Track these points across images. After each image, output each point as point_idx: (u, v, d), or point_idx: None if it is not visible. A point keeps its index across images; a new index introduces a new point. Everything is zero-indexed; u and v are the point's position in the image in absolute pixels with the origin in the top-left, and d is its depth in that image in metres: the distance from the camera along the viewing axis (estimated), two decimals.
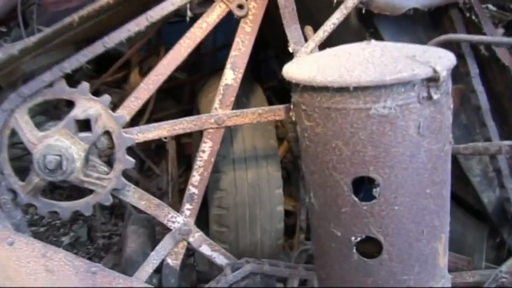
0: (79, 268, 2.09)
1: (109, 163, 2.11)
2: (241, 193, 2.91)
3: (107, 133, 2.04)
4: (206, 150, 2.23)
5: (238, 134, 2.93)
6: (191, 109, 3.91)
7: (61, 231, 4.30)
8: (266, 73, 4.49)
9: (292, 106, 1.83)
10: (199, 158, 2.24)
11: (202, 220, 2.73)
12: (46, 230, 4.30)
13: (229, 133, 2.91)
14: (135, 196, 2.20)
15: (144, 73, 3.68)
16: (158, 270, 2.42)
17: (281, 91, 4.16)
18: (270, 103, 3.32)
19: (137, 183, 3.28)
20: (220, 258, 2.35)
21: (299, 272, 2.30)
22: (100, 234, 4.24)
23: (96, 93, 2.06)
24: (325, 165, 1.71)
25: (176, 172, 3.50)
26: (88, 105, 1.99)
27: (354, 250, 1.75)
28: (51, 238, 4.20)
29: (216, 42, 4.73)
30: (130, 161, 2.06)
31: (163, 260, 2.32)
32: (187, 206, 2.28)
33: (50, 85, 1.98)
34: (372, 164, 1.62)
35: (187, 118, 2.17)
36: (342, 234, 1.75)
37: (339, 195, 1.71)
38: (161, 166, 3.88)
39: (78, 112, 1.96)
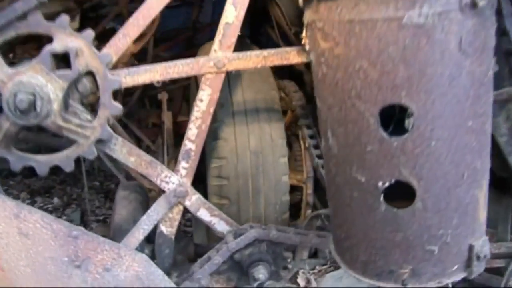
0: (58, 231, 1.79)
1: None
2: (243, 161, 2.62)
3: (90, 74, 1.75)
4: (204, 99, 1.94)
5: (238, 94, 2.65)
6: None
7: (53, 215, 3.99)
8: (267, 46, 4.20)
9: (304, 31, 1.55)
10: (196, 108, 1.95)
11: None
12: None
13: (228, 94, 2.62)
14: (123, 151, 1.91)
15: None
16: (151, 240, 2.13)
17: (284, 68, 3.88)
18: None
19: None
20: (220, 225, 2.06)
21: (310, 239, 2.01)
22: (94, 218, 3.95)
23: None
24: (346, 95, 1.43)
25: (172, 146, 3.21)
26: (68, 40, 1.70)
27: (382, 199, 1.47)
28: None
29: (214, 17, 4.46)
30: (116, 107, 1.77)
31: (155, 229, 2.04)
32: (183, 164, 1.99)
33: (24, 17, 1.69)
34: (404, 89, 1.34)
35: (183, 61, 1.88)
36: (366, 180, 1.46)
37: (364, 131, 1.42)
38: (156, 143, 3.60)
39: (55, 45, 1.67)
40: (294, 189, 3.19)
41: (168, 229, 2.05)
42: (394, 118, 1.51)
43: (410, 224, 1.47)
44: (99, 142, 1.83)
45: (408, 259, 1.52)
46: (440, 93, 1.33)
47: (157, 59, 3.69)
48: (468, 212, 1.49)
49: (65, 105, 1.72)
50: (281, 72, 3.64)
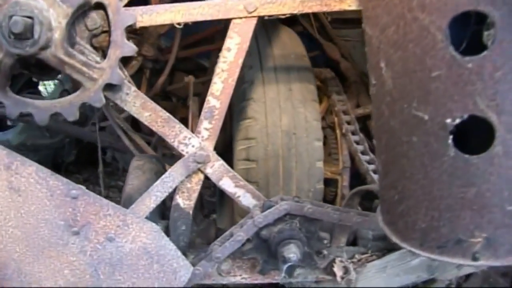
0: (55, 189, 1.52)
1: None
2: (274, 142, 2.33)
3: (101, 8, 1.51)
4: (232, 48, 1.67)
5: (269, 67, 2.38)
6: None
7: None
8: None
9: None
10: (222, 59, 1.68)
11: None
12: None
13: (259, 66, 2.36)
14: (136, 103, 1.64)
15: None
16: (166, 216, 1.85)
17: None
18: None
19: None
20: (246, 198, 1.75)
21: (351, 218, 1.68)
22: None
23: None
24: (406, 7, 1.13)
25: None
26: None
27: (450, 141, 1.14)
28: None
29: None
30: (130, 47, 1.52)
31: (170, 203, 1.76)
32: (205, 124, 1.71)
33: None
34: None
35: (209, 1, 1.63)
36: (430, 117, 1.15)
37: (428, 51, 1.11)
38: None
39: None
40: (328, 184, 2.87)
41: (185, 202, 1.76)
42: (468, 32, 1.19)
43: (486, 176, 1.13)
44: (109, 88, 1.57)
45: (482, 224, 1.18)
46: None
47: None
48: None
49: (69, 37, 1.47)
50: (317, 62, 3.38)
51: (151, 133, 2.76)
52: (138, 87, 3.19)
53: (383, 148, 1.33)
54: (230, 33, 1.66)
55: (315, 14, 3.59)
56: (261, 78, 2.40)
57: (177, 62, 3.57)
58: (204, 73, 3.61)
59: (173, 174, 1.69)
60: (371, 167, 2.34)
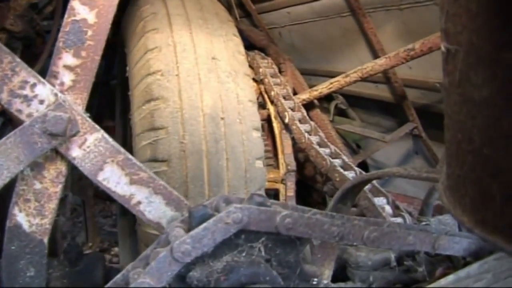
0: None
1: None
2: (193, 132, 1.51)
3: None
4: None
5: (185, 36, 1.57)
6: None
7: None
8: None
9: None
10: None
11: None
12: None
13: (170, 35, 1.54)
14: None
15: None
16: None
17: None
18: None
19: None
20: (155, 204, 0.84)
21: (359, 231, 0.85)
22: None
23: None
24: None
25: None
26: None
27: None
28: None
29: None
30: None
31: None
32: (67, 59, 0.79)
33: None
34: None
35: None
36: None
37: None
38: None
39: None
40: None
41: (33, 220, 0.84)
42: None
43: None
44: None
45: None
46: None
47: None
48: None
49: None
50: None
51: None
52: None
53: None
54: None
55: None
56: (171, 43, 1.57)
57: None
58: None
59: None
60: (337, 162, 1.54)
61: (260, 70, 2.11)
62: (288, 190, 1.87)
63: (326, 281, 1.04)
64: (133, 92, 1.60)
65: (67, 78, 0.81)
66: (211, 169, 1.50)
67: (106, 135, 0.83)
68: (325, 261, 1.03)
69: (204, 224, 0.75)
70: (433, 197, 1.22)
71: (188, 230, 0.77)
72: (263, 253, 0.78)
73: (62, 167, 0.82)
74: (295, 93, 2.16)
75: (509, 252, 0.57)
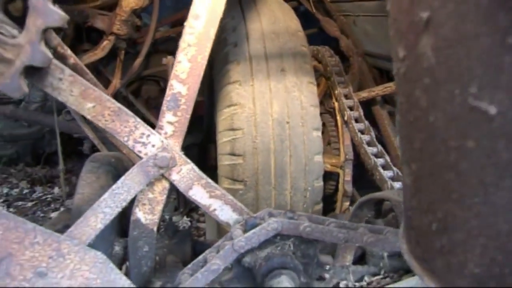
0: None
1: None
2: (264, 133, 1.86)
3: None
4: (201, 15, 1.18)
5: (258, 47, 1.89)
6: None
7: (52, 207, 3.30)
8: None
9: None
10: (188, 30, 1.20)
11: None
12: (34, 205, 3.32)
13: (246, 44, 1.88)
14: (74, 92, 1.16)
15: None
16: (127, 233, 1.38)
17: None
18: None
19: None
20: (224, 211, 1.28)
21: (360, 236, 1.21)
22: None
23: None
24: None
25: None
26: None
27: None
28: (38, 213, 3.21)
29: None
30: (57, 14, 1.04)
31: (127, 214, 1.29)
32: (169, 117, 1.23)
33: None
34: None
35: None
36: (500, 111, 0.67)
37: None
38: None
39: None
40: (327, 177, 2.40)
41: (147, 216, 1.29)
42: None
43: None
44: (32, 71, 1.09)
45: None
46: None
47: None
48: None
49: None
50: (314, 40, 2.86)
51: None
52: (109, 73, 2.71)
53: (416, 154, 0.85)
54: None
55: None
56: (248, 58, 1.92)
57: (158, 42, 3.07)
58: None
59: (128, 184, 1.21)
60: (380, 161, 1.87)
61: (328, 68, 2.41)
62: (346, 175, 2.22)
63: (348, 263, 1.42)
64: (217, 96, 1.99)
65: (169, 129, 1.23)
66: (277, 164, 1.87)
67: (194, 166, 1.26)
68: (347, 249, 1.41)
69: (253, 230, 1.16)
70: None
71: (244, 231, 1.19)
72: (291, 248, 1.18)
73: (166, 185, 1.26)
74: (359, 88, 2.44)
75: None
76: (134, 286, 1.15)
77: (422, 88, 0.78)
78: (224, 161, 1.90)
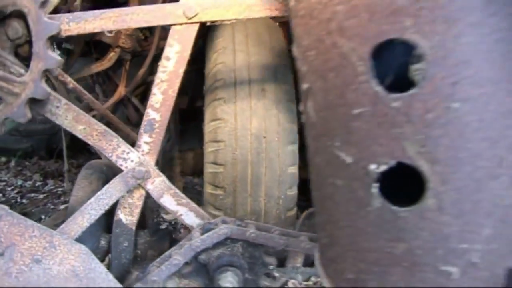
0: None
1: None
2: (243, 146, 2.11)
3: (22, 16, 1.31)
4: (172, 57, 1.45)
5: (243, 68, 2.14)
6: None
7: (61, 199, 3.63)
8: None
9: None
10: (161, 69, 1.47)
11: None
12: (45, 197, 3.65)
13: (233, 67, 2.13)
14: (68, 117, 1.45)
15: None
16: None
17: None
18: None
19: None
20: (189, 216, 1.56)
21: (299, 243, 1.47)
22: None
23: None
24: (324, 29, 0.89)
25: (177, 132, 2.73)
26: None
27: (375, 190, 0.91)
28: (49, 205, 3.54)
29: None
30: (53, 58, 1.32)
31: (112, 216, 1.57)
32: (145, 138, 1.51)
33: None
34: (409, 15, 0.79)
35: (144, 7, 1.40)
36: (354, 161, 0.92)
37: (349, 84, 0.88)
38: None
39: None
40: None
41: (127, 218, 1.57)
42: (394, 66, 0.95)
43: (417, 231, 0.91)
44: (34, 102, 1.38)
45: (413, 283, 0.96)
46: (468, 23, 0.77)
47: None
48: (508, 219, 0.91)
49: None
50: None
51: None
52: (118, 79, 3.00)
53: (313, 184, 1.11)
54: (169, 40, 1.44)
55: None
56: (233, 77, 2.17)
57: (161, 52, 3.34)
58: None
59: (110, 191, 1.50)
60: None
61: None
62: None
63: (298, 264, 1.68)
64: (205, 110, 2.24)
65: (145, 148, 1.51)
66: (253, 174, 2.13)
67: (165, 179, 1.53)
68: (298, 253, 1.67)
69: (207, 233, 1.43)
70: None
71: (202, 234, 1.46)
72: (240, 250, 1.45)
73: (143, 192, 1.54)
74: None
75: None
76: (111, 274, 1.43)
77: (311, 137, 1.04)
78: (208, 169, 2.17)
